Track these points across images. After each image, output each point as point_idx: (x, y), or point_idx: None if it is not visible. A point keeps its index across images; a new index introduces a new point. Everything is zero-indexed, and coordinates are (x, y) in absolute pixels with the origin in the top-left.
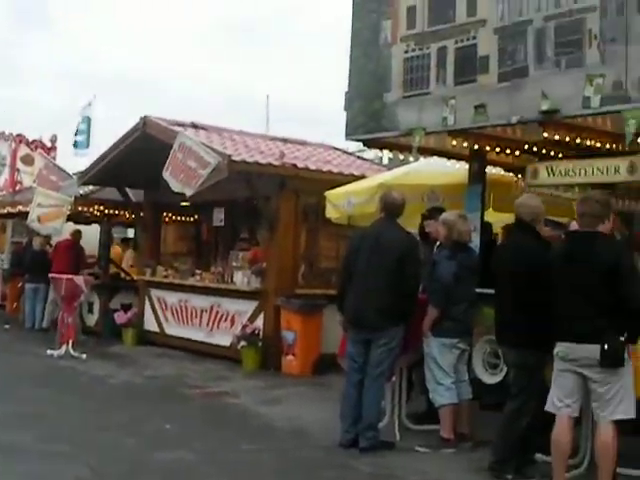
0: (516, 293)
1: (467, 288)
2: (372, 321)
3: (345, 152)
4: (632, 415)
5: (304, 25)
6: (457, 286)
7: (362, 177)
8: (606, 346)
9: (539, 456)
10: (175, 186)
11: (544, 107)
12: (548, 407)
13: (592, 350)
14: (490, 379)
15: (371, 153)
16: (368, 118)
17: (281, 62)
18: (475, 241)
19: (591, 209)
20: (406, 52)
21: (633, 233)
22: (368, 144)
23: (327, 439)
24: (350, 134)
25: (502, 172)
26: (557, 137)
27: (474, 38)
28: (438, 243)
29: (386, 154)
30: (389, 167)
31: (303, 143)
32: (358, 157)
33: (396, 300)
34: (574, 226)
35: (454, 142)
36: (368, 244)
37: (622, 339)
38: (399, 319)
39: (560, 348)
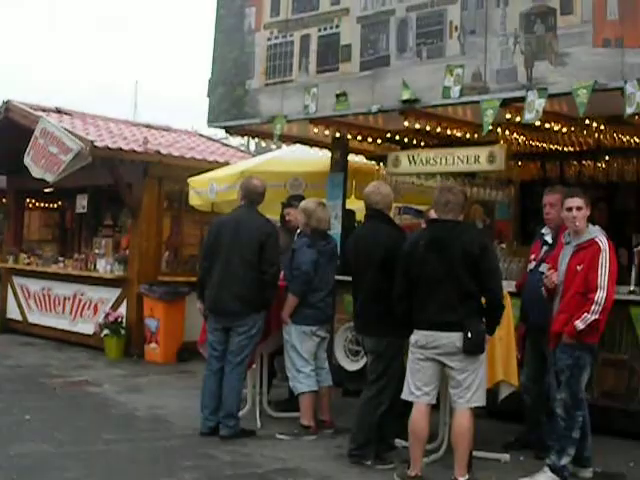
0: (372, 280)
1: (326, 276)
2: (232, 309)
3: (210, 139)
4: (483, 403)
5: (176, 12)
6: (316, 273)
7: (226, 164)
8: (469, 334)
9: (398, 441)
10: (36, 172)
11: (404, 96)
12: (405, 395)
13: (455, 338)
14: (352, 366)
15: (238, 140)
16: (230, 105)
17: (153, 51)
18: (337, 228)
19: (455, 198)
20: (269, 39)
21: (494, 222)
22: (230, 131)
23: (188, 427)
24: (212, 121)
25: (365, 160)
26: (418, 126)
27: (337, 27)
28: (298, 231)
29: (252, 141)
30: (256, 154)
31: (168, 129)
32: (224, 144)
33: (256, 287)
34: (433, 215)
35: (316, 130)
36: (228, 231)
37: (483, 327)
38: (259, 306)
39: (419, 336)
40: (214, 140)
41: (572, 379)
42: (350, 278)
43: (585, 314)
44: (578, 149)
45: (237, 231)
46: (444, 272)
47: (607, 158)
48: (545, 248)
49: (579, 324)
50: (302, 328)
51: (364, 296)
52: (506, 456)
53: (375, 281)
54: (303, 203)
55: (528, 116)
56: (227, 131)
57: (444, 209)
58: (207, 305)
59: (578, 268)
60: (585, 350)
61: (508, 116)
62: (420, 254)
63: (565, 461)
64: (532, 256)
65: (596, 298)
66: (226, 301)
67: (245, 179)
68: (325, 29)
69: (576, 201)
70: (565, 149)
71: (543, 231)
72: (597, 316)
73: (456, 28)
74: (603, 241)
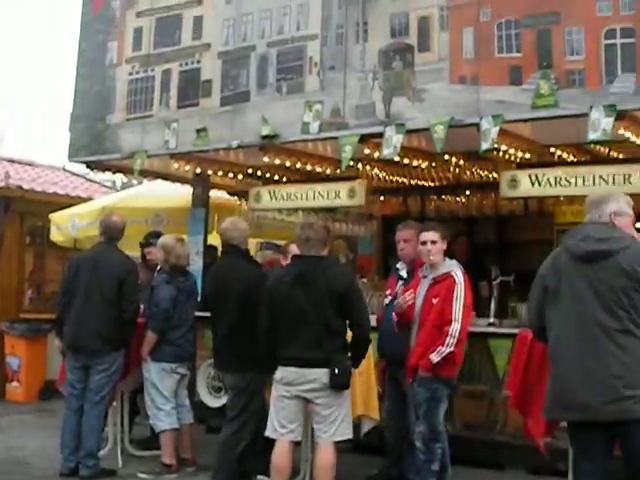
0: (231, 317)
1: (186, 312)
2: (91, 346)
3: (75, 174)
4: (350, 436)
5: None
6: (176, 310)
7: (90, 199)
8: (336, 370)
9: (261, 478)
10: None
11: (264, 132)
12: (269, 432)
13: (321, 374)
14: (214, 402)
15: (105, 175)
16: (91, 140)
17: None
18: (198, 264)
19: (316, 234)
20: (131, 74)
21: (357, 256)
22: (91, 166)
23: (48, 468)
24: (73, 156)
25: (227, 195)
26: (278, 161)
27: (198, 62)
28: (158, 267)
29: (117, 176)
30: (123, 189)
31: (31, 164)
32: (88, 179)
33: (115, 325)
34: (294, 249)
35: (177, 165)
36: (87, 268)
37: (349, 363)
38: (118, 344)
39: (285, 373)
40: (78, 175)
41: (429, 412)
42: (210, 314)
43: (440, 347)
44: (438, 184)
45: (96, 268)
46: (309, 308)
47: (467, 193)
48: (400, 283)
49: (434, 357)
50: (162, 365)
51: (224, 332)
52: None
53: (234, 317)
54: (162, 239)
55: (386, 152)
56: (88, 166)
57: (306, 245)
58: (66, 343)
59: (434, 301)
60: (441, 383)
61: (367, 151)
62: (285, 290)
63: None
64: (388, 291)
65: (450, 331)
66: (85, 339)
67: (105, 216)
68: (186, 64)
69: (430, 235)
70: (426, 184)
71: (398, 266)
72: (452, 349)
73: (316, 64)
74: (458, 274)
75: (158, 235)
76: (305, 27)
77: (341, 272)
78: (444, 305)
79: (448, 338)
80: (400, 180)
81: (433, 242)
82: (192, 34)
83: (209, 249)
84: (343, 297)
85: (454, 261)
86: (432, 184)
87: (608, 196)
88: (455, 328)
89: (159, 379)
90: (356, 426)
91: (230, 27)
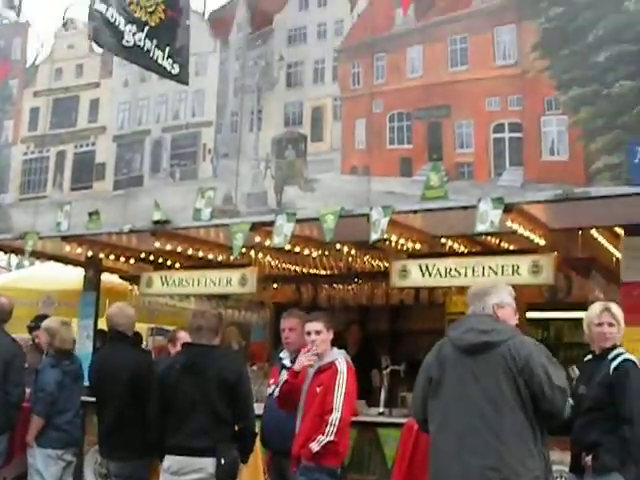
0: (117, 405)
1: (72, 396)
2: None
3: None
4: None
5: None
6: (61, 394)
7: None
8: (222, 460)
9: None
10: None
11: (156, 217)
12: None
13: (208, 463)
14: None
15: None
16: None
17: None
18: (88, 348)
19: (208, 323)
20: (25, 154)
21: (249, 343)
22: None
23: None
24: None
25: (119, 279)
26: (169, 247)
27: (93, 144)
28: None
29: (9, 257)
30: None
31: None
32: None
33: None
34: (183, 337)
35: (69, 248)
36: None
37: (237, 453)
38: (2, 428)
39: (171, 462)
40: None
41: None
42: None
43: (320, 436)
44: (330, 272)
45: None
46: (199, 397)
47: (358, 281)
48: (284, 372)
49: (314, 446)
50: (47, 451)
51: (108, 420)
52: None
53: (119, 405)
54: (46, 322)
55: (277, 240)
56: None
57: (198, 333)
58: None
59: (317, 390)
60: (324, 473)
61: (258, 239)
62: (175, 378)
63: None
64: (271, 380)
65: (330, 419)
66: None
67: None
68: (81, 146)
69: (314, 325)
70: (318, 272)
71: (282, 355)
72: (332, 437)
73: (209, 151)
74: (341, 363)
75: (45, 318)
76: (200, 113)
77: (232, 362)
78: (326, 394)
79: (328, 427)
80: (292, 268)
81: (317, 332)
82: (88, 116)
83: (99, 333)
84: (232, 387)
85: (340, 350)
86: (324, 272)
87: (490, 288)
88: (335, 417)
89: (44, 466)
90: None
91: (126, 111)
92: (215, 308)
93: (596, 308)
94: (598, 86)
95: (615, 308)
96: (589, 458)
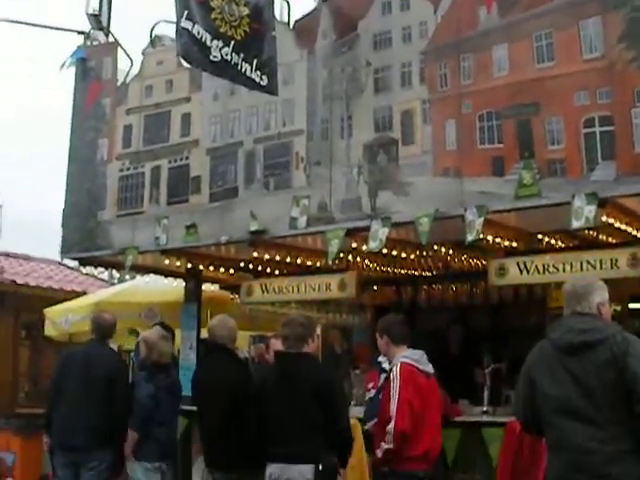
0: (218, 417)
1: (168, 409)
2: (80, 443)
3: (69, 267)
4: None
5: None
6: (158, 407)
7: (84, 293)
8: (320, 466)
9: None
10: None
11: (252, 227)
12: None
13: (306, 470)
14: None
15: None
16: (83, 236)
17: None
18: (191, 359)
19: (293, 332)
20: (121, 170)
21: (352, 346)
22: (83, 262)
23: None
24: (65, 252)
25: (219, 289)
26: (267, 256)
27: (187, 158)
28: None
29: (110, 272)
30: (120, 281)
31: (27, 258)
32: (84, 273)
33: (105, 421)
34: (276, 344)
35: (167, 261)
36: (77, 364)
37: (335, 459)
38: (108, 441)
39: (272, 469)
40: (73, 269)
41: None
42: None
43: (382, 443)
44: (429, 273)
45: (86, 364)
46: (294, 405)
47: (457, 281)
48: (383, 375)
49: (378, 453)
50: (145, 464)
51: (211, 433)
52: None
53: (221, 417)
54: (145, 334)
55: (372, 244)
56: (80, 262)
57: (286, 342)
58: (54, 440)
59: (380, 397)
60: (401, 477)
61: (354, 245)
62: (270, 388)
63: None
64: (370, 384)
65: (388, 428)
66: (74, 435)
67: (95, 313)
68: (175, 160)
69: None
70: (416, 273)
71: (380, 359)
72: (390, 445)
73: (302, 159)
74: (396, 368)
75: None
76: (291, 123)
77: (324, 371)
78: (386, 402)
79: (387, 436)
80: (391, 270)
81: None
82: (180, 131)
83: (203, 342)
84: (326, 397)
85: (406, 352)
86: (422, 273)
87: (590, 286)
88: (391, 426)
89: (146, 478)
90: None
91: (218, 123)
92: (316, 313)
93: None
94: None
95: None
96: None
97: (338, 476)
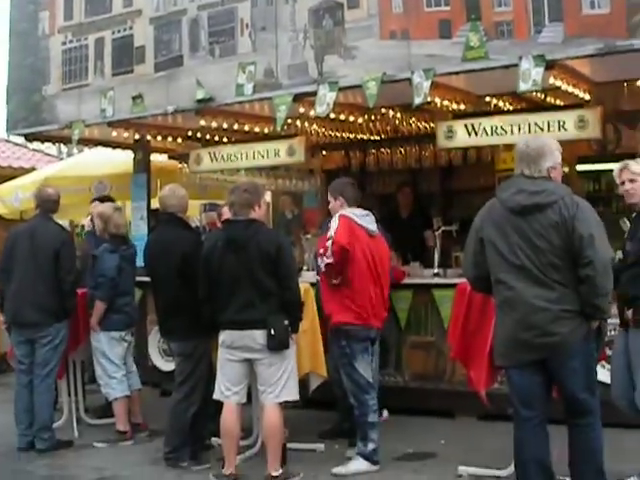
0: (172, 287)
1: (130, 279)
2: (33, 320)
3: (16, 144)
4: (296, 397)
5: None
6: (121, 278)
7: (33, 169)
8: (272, 330)
9: (215, 440)
10: None
11: (199, 96)
12: (216, 395)
13: (258, 335)
14: (167, 366)
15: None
16: (29, 112)
17: None
18: (142, 230)
19: (239, 198)
20: (64, 44)
21: (302, 211)
22: (30, 138)
23: (5, 444)
24: (11, 129)
25: (169, 159)
26: (215, 124)
27: (131, 28)
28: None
29: (59, 147)
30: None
31: None
32: (30, 149)
33: (54, 296)
34: (225, 212)
35: (115, 133)
36: (23, 240)
37: (286, 322)
38: (60, 315)
39: (225, 336)
40: (21, 145)
41: (346, 367)
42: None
43: (323, 258)
44: (377, 137)
45: (32, 241)
46: (242, 271)
47: (406, 144)
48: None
49: (321, 267)
50: (111, 334)
51: (166, 302)
52: (321, 446)
53: (175, 287)
54: (100, 208)
55: (320, 109)
56: (26, 138)
57: (235, 209)
58: (8, 318)
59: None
60: (342, 335)
61: (302, 110)
62: (219, 255)
63: (371, 446)
64: (322, 249)
65: (327, 244)
66: (26, 312)
67: (38, 188)
68: (119, 31)
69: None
70: (365, 137)
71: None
72: (331, 260)
73: (247, 25)
74: (334, 219)
75: (106, 199)
76: None
77: (270, 234)
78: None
79: (327, 251)
80: (340, 135)
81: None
82: (123, 1)
83: (154, 213)
84: (273, 259)
85: (349, 209)
86: (371, 137)
87: (543, 148)
88: (329, 242)
89: (109, 348)
90: (306, 383)
91: None
92: (266, 180)
93: (616, 168)
94: None
95: (634, 165)
96: (630, 312)
97: (290, 340)
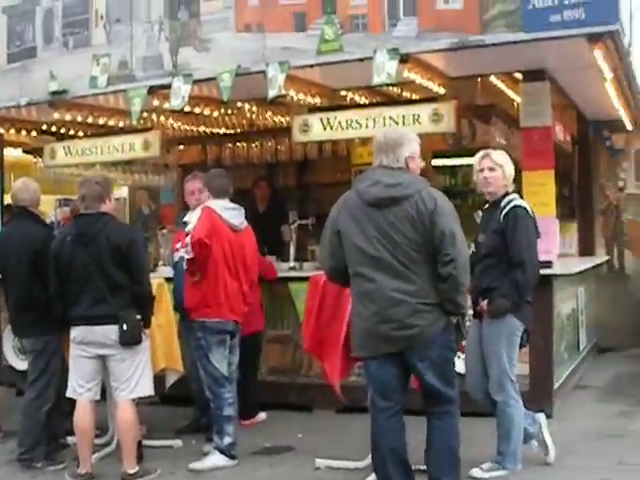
0: (23, 282)
1: None
2: None
3: None
4: (150, 392)
5: None
6: None
7: None
8: (124, 325)
9: (71, 439)
10: None
11: (52, 88)
12: (69, 393)
13: (109, 330)
14: (22, 365)
15: None
16: None
17: None
18: None
19: (89, 191)
20: None
21: (159, 206)
22: None
23: None
24: None
25: (23, 153)
26: (69, 117)
27: None
28: None
29: None
30: None
31: None
32: None
33: None
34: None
35: None
36: None
37: (138, 317)
38: None
39: (76, 332)
40: None
41: (201, 360)
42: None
43: (184, 255)
44: (233, 131)
45: None
46: (93, 266)
47: (262, 138)
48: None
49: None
50: None
51: (17, 298)
52: (178, 442)
53: (27, 282)
54: None
55: (175, 102)
56: None
57: (84, 203)
58: None
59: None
60: (198, 328)
61: (156, 103)
62: (68, 250)
63: (228, 440)
64: (178, 244)
65: (186, 240)
66: None
67: None
68: None
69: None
70: (221, 131)
71: (185, 219)
72: (191, 255)
73: (102, 17)
74: (198, 210)
75: None
76: None
77: (121, 227)
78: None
79: (187, 248)
80: (195, 129)
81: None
82: None
83: (8, 208)
84: (124, 252)
85: (217, 201)
86: (227, 131)
87: (401, 138)
88: (188, 238)
89: None
90: (162, 379)
91: None
92: (122, 174)
93: (477, 155)
94: None
95: (496, 154)
96: (484, 302)
97: (143, 335)
